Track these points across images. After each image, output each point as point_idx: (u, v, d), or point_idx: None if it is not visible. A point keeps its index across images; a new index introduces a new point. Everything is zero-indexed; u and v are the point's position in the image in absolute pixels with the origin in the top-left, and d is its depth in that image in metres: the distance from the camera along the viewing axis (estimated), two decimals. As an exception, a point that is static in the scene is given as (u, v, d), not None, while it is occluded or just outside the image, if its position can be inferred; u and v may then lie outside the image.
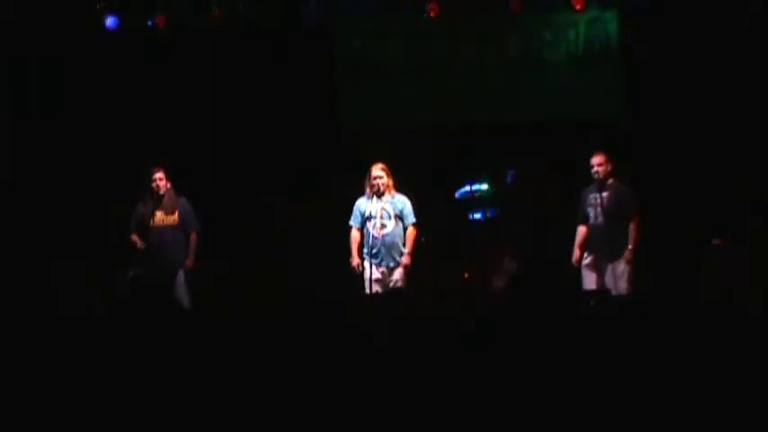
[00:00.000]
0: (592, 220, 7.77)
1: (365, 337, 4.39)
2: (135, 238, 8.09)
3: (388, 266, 7.66)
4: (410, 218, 7.68)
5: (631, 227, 7.61)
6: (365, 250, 7.65)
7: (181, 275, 8.01)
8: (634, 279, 7.57)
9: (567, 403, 3.80)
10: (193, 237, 8.12)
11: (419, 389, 3.88)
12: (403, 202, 7.68)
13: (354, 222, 7.80)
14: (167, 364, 4.09)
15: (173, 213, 8.11)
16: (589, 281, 7.69)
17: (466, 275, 9.10)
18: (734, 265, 8.03)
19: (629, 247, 7.57)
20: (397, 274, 7.66)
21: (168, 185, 8.12)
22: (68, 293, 7.95)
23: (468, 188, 9.71)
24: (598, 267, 7.70)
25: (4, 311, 6.44)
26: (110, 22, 9.39)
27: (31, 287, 7.98)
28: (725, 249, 8.23)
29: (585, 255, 7.80)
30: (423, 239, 8.78)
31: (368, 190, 7.70)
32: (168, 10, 9.43)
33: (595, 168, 7.71)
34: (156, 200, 8.09)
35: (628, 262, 7.56)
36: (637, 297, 7.42)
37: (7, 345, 4.39)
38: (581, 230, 7.83)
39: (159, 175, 8.08)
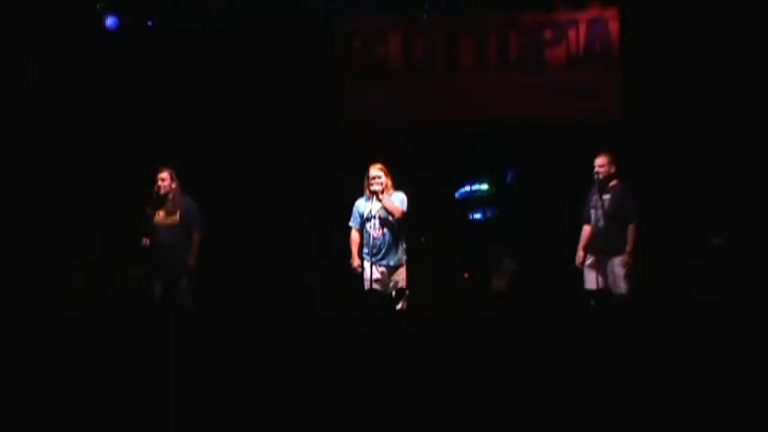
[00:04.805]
0: (593, 222, 7.76)
1: (365, 337, 4.39)
2: (145, 240, 8.05)
3: (388, 266, 7.66)
4: (403, 206, 7.64)
5: (630, 229, 7.60)
6: (365, 251, 7.65)
7: (185, 281, 7.97)
8: (634, 279, 7.57)
9: (566, 402, 3.80)
10: (196, 236, 8.10)
11: (419, 388, 3.88)
12: (401, 200, 7.67)
13: (354, 224, 7.80)
14: (167, 363, 4.09)
15: (174, 214, 8.10)
16: (590, 281, 7.69)
17: (466, 275, 9.10)
18: (734, 264, 8.03)
19: (627, 249, 7.56)
20: (398, 274, 7.66)
21: (173, 186, 8.10)
22: (68, 293, 7.95)
23: (468, 188, 9.71)
24: (599, 267, 7.70)
25: (4, 311, 6.44)
26: (110, 22, 9.39)
27: (31, 287, 7.98)
28: (725, 249, 8.23)
29: (587, 255, 7.79)
30: (422, 239, 8.79)
31: (366, 191, 7.70)
32: (168, 10, 9.44)
33: (596, 169, 7.70)
34: (159, 200, 8.09)
35: (624, 265, 7.56)
36: (637, 297, 7.42)
37: (7, 345, 4.39)
38: (585, 231, 7.82)
39: (163, 175, 8.08)
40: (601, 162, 7.71)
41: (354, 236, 7.77)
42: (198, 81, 9.35)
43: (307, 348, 4.14)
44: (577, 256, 7.79)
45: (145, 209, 8.14)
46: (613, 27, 9.17)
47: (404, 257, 7.72)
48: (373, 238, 7.63)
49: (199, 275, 8.09)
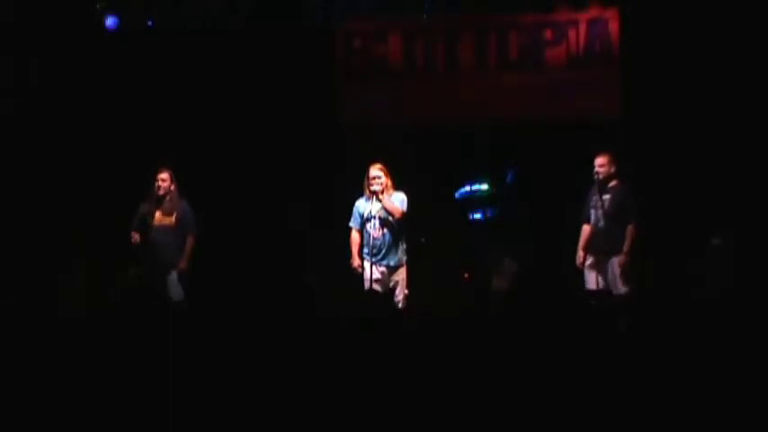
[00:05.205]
0: (593, 222, 7.76)
1: (365, 337, 4.39)
2: (135, 235, 8.07)
3: (388, 266, 7.66)
4: (403, 207, 7.63)
5: (629, 229, 7.59)
6: (365, 251, 7.65)
7: (174, 275, 7.99)
8: (633, 280, 7.56)
9: (567, 402, 3.80)
10: (190, 240, 8.10)
11: (419, 388, 3.88)
12: (401, 200, 7.67)
13: (354, 224, 7.79)
14: (167, 364, 4.09)
15: (171, 215, 8.10)
16: (590, 281, 7.68)
17: (466, 275, 9.10)
18: (734, 264, 8.03)
19: (625, 250, 7.55)
20: (398, 274, 7.65)
21: (172, 187, 8.10)
22: (68, 293, 7.95)
23: (468, 188, 9.71)
24: (599, 268, 7.69)
25: (4, 311, 6.44)
26: (110, 22, 9.40)
27: (31, 287, 7.98)
28: (725, 249, 8.24)
29: (587, 255, 7.79)
30: (422, 239, 8.79)
31: (366, 191, 7.69)
32: (168, 10, 9.45)
33: (596, 169, 7.69)
34: (157, 200, 8.10)
35: (621, 265, 7.55)
36: (636, 297, 7.42)
37: (7, 345, 4.39)
38: (585, 231, 7.81)
39: (163, 176, 8.08)
40: (601, 162, 7.70)
41: (354, 236, 7.77)
42: (198, 81, 9.34)
43: (307, 348, 4.14)
44: (578, 256, 7.78)
45: (139, 205, 8.14)
46: (613, 27, 9.17)
47: (404, 257, 7.72)
48: (373, 238, 7.62)
49: (199, 275, 8.09)
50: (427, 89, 9.45)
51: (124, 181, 8.74)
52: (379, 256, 7.65)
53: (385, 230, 7.64)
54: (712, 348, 4.11)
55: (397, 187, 7.70)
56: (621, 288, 7.51)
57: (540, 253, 8.59)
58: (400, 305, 7.43)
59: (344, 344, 4.22)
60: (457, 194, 9.74)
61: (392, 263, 7.66)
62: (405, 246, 7.73)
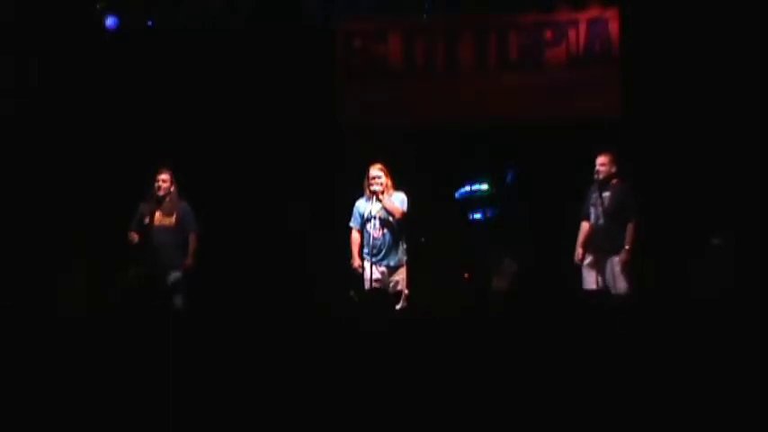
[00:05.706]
0: (593, 220, 7.76)
1: (365, 337, 4.39)
2: (133, 235, 8.06)
3: (388, 266, 7.66)
4: (403, 207, 7.64)
5: (629, 228, 7.60)
6: (365, 251, 7.65)
7: (173, 275, 7.98)
8: (633, 279, 7.57)
9: (566, 402, 3.80)
10: (193, 238, 8.10)
11: (418, 388, 3.88)
12: (401, 200, 7.68)
13: (354, 224, 7.80)
14: (167, 363, 4.09)
15: (171, 216, 8.09)
16: (589, 280, 7.69)
17: (466, 275, 9.10)
18: (734, 264, 8.04)
19: (626, 248, 7.56)
20: (398, 274, 7.65)
21: (172, 188, 8.10)
22: (68, 293, 7.95)
23: (468, 188, 9.72)
24: (598, 267, 7.70)
25: (4, 311, 6.44)
26: (110, 22, 9.40)
27: (31, 287, 7.98)
28: (725, 249, 8.24)
29: (586, 254, 7.79)
30: (422, 239, 8.79)
31: (366, 191, 7.70)
32: (168, 10, 9.46)
33: (597, 168, 7.70)
34: (157, 200, 8.09)
35: (622, 262, 7.55)
36: (636, 296, 7.43)
37: (7, 345, 4.39)
38: (584, 228, 7.82)
39: (163, 176, 8.07)
40: (602, 161, 7.71)
41: (355, 236, 7.77)
42: (198, 81, 9.34)
43: (307, 348, 4.14)
44: (576, 253, 7.79)
45: (139, 205, 8.14)
46: (613, 27, 9.17)
47: (404, 257, 7.72)
48: (374, 238, 7.63)
49: (199, 275, 8.08)
50: (427, 89, 9.46)
51: (124, 181, 8.73)
52: (380, 257, 7.65)
53: (385, 230, 7.65)
54: (712, 348, 4.11)
55: (397, 187, 7.70)
56: (621, 286, 7.52)
57: (540, 253, 8.59)
58: (400, 305, 7.43)
59: (344, 344, 4.22)
60: (457, 194, 9.74)
61: (392, 263, 7.67)
62: (405, 246, 7.74)
